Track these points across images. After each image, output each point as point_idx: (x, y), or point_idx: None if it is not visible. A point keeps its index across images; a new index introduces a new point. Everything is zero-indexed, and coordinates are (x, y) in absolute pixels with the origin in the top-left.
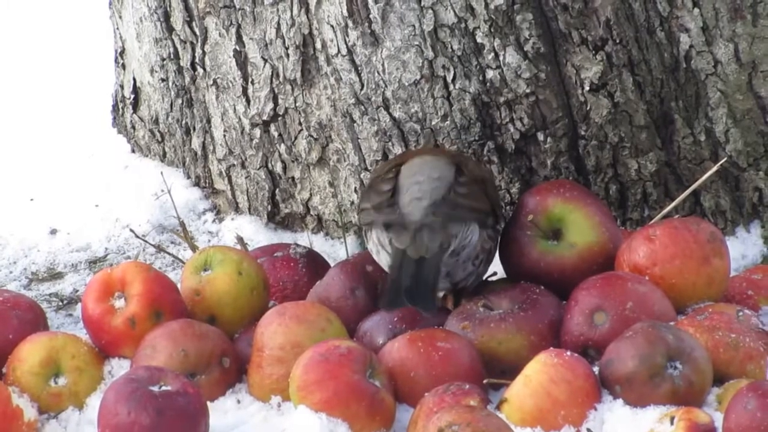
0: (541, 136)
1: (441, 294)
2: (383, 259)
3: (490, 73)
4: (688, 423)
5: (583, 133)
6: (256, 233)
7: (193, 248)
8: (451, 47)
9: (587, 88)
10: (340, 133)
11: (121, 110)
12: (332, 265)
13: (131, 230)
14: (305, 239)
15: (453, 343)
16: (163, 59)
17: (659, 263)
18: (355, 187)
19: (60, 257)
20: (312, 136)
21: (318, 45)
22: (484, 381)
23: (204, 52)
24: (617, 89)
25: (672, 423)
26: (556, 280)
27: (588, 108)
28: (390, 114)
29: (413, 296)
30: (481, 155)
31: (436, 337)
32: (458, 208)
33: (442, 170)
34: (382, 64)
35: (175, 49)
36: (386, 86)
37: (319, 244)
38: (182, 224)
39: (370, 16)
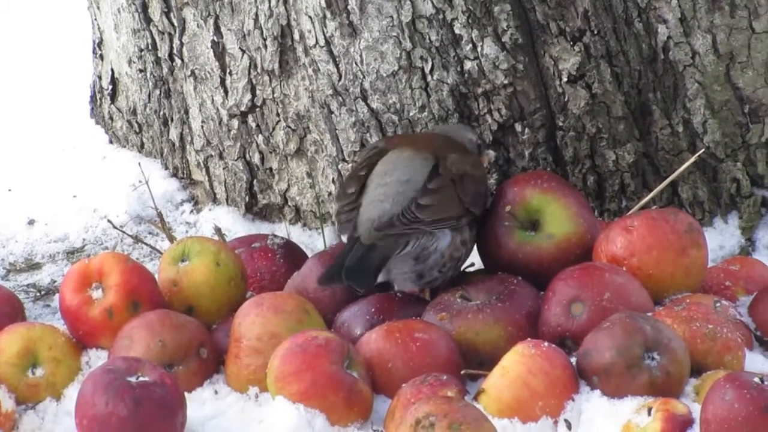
0: (519, 127)
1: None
2: None
3: (468, 64)
4: (666, 414)
5: (560, 124)
6: (234, 224)
7: (171, 239)
8: (429, 38)
9: (565, 79)
10: (317, 124)
11: (99, 101)
12: (310, 255)
13: (109, 221)
14: (283, 230)
15: (430, 333)
16: (141, 50)
17: (637, 254)
18: (333, 178)
19: (38, 248)
20: (290, 127)
21: (296, 36)
22: (462, 372)
23: (182, 43)
24: (595, 80)
25: (649, 414)
26: (534, 270)
27: (566, 99)
28: (368, 105)
29: (352, 274)
30: None
31: (414, 328)
32: (417, 223)
33: (414, 170)
34: (360, 55)
35: (153, 40)
36: (364, 77)
37: (297, 234)
38: (160, 215)
39: (348, 7)
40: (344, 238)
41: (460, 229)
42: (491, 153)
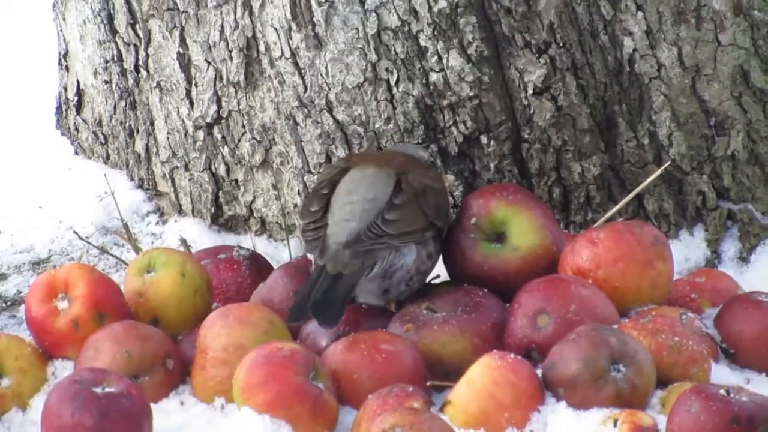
0: (484, 140)
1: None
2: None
3: (433, 76)
4: (632, 426)
5: (526, 136)
6: (200, 235)
7: (137, 250)
8: (395, 50)
9: (530, 91)
10: (283, 135)
11: (64, 112)
12: (275, 267)
13: (75, 232)
14: (248, 241)
15: (396, 345)
16: (107, 61)
17: (602, 266)
18: (299, 190)
19: (3, 258)
20: (255, 139)
21: (261, 48)
22: (428, 383)
23: (147, 55)
24: (561, 93)
25: (615, 425)
26: (500, 282)
27: (531, 111)
28: (333, 117)
29: (319, 308)
30: None
31: (380, 340)
32: (385, 237)
33: (378, 188)
34: (326, 67)
35: (119, 51)
36: (329, 89)
37: (263, 246)
38: (126, 226)
39: (314, 19)
40: (311, 257)
41: (425, 242)
42: (450, 178)
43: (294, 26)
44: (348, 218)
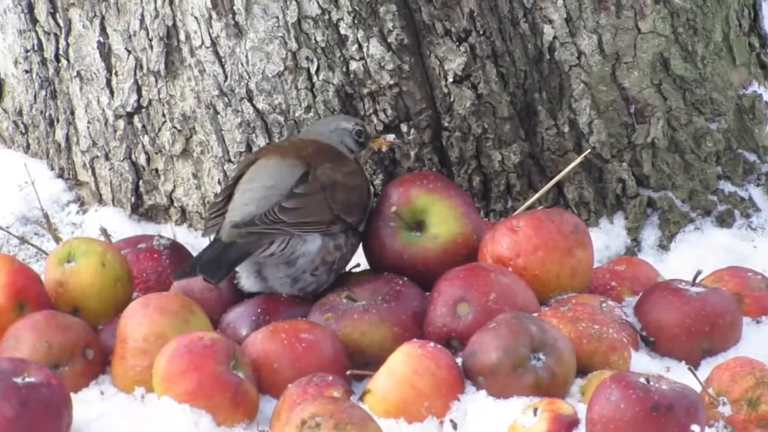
0: (404, 128)
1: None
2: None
3: (353, 65)
4: (552, 414)
5: (446, 124)
6: (120, 225)
7: (57, 240)
8: (315, 39)
9: (451, 79)
10: (203, 124)
11: None
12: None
13: None
14: (169, 231)
15: (316, 334)
16: (27, 51)
17: (522, 254)
18: (219, 179)
19: None
20: (176, 128)
21: (182, 37)
22: (348, 372)
23: (68, 44)
24: (481, 81)
25: (535, 414)
26: (420, 271)
27: (451, 99)
28: (254, 106)
29: (207, 267)
30: None
31: (300, 329)
32: (279, 224)
33: (281, 176)
34: (246, 56)
35: (39, 40)
36: (250, 78)
37: (183, 235)
38: (46, 216)
39: (234, 7)
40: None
41: (332, 234)
42: (390, 137)
43: (214, 15)
44: (246, 203)
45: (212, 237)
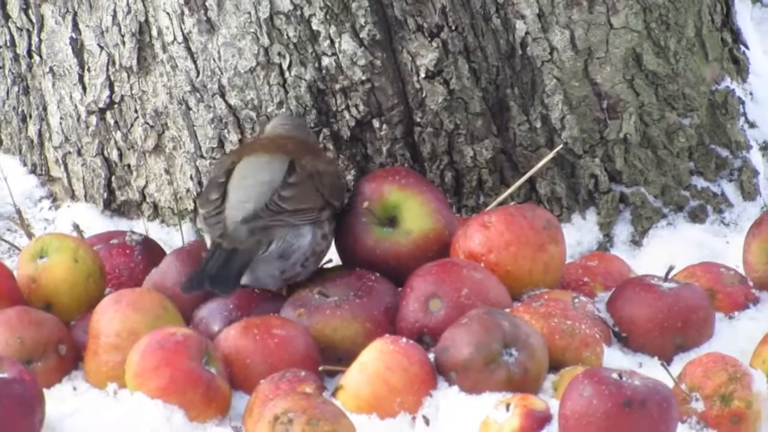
0: (376, 123)
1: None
2: None
3: (325, 60)
4: (524, 410)
5: (418, 120)
6: (93, 221)
7: (30, 235)
8: (287, 34)
9: (423, 75)
10: (176, 120)
11: None
12: (168, 252)
13: None
14: (141, 226)
15: (288, 330)
16: (0, 47)
17: (495, 250)
18: (191, 175)
19: None
20: (148, 124)
21: (154, 32)
22: (320, 368)
23: (40, 40)
24: (453, 76)
25: (508, 410)
26: (392, 267)
27: (423, 95)
28: (226, 101)
29: (215, 280)
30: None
31: (272, 324)
32: (282, 214)
33: (272, 170)
34: (218, 52)
35: (12, 36)
36: (222, 73)
37: (155, 231)
38: (18, 212)
39: (206, 3)
40: (209, 239)
41: (320, 223)
42: None
43: (186, 11)
44: (244, 200)
45: (211, 236)
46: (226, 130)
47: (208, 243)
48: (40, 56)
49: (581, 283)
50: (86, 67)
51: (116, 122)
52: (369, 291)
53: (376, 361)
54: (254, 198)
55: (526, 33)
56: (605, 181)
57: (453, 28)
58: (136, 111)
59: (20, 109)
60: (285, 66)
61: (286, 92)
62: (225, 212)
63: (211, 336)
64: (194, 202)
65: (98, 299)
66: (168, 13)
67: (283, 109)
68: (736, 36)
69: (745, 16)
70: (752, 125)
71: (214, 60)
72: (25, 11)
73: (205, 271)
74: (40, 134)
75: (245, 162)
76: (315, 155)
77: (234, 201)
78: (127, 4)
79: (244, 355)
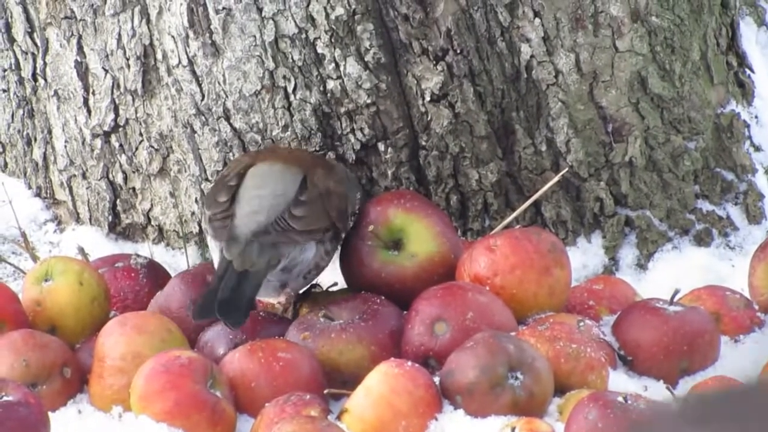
0: (381, 147)
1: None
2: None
3: (330, 84)
4: None
5: (423, 143)
6: (98, 244)
7: (35, 258)
8: (292, 57)
9: (428, 98)
10: (180, 143)
11: None
12: (173, 275)
13: None
14: (146, 250)
15: (293, 353)
16: (5, 70)
17: (500, 273)
18: (196, 198)
19: None
20: (153, 147)
21: (159, 56)
22: (325, 391)
23: (45, 63)
24: (458, 99)
25: None
26: (397, 290)
27: (429, 118)
28: (231, 125)
29: (226, 308)
30: None
31: (277, 348)
32: (290, 233)
33: (286, 184)
34: (223, 75)
35: (17, 59)
36: (227, 97)
37: (160, 254)
38: (23, 235)
39: (211, 26)
40: (214, 245)
41: (323, 241)
42: None
43: (191, 34)
44: (256, 210)
45: (220, 243)
46: (231, 154)
47: (209, 243)
48: (45, 79)
49: (587, 307)
50: (91, 91)
51: (121, 145)
52: (374, 314)
53: (381, 384)
54: (266, 210)
55: (531, 56)
56: (610, 205)
57: (458, 51)
58: (140, 134)
59: (25, 132)
60: (290, 89)
61: (291, 115)
62: (234, 219)
63: (216, 359)
64: (199, 226)
65: (103, 322)
66: (173, 37)
67: (288, 133)
68: (742, 59)
69: (750, 39)
70: (757, 149)
71: (219, 83)
72: (30, 34)
73: (216, 294)
74: (44, 157)
75: (259, 168)
76: (327, 170)
77: (246, 209)
78: (132, 27)
79: (249, 378)
